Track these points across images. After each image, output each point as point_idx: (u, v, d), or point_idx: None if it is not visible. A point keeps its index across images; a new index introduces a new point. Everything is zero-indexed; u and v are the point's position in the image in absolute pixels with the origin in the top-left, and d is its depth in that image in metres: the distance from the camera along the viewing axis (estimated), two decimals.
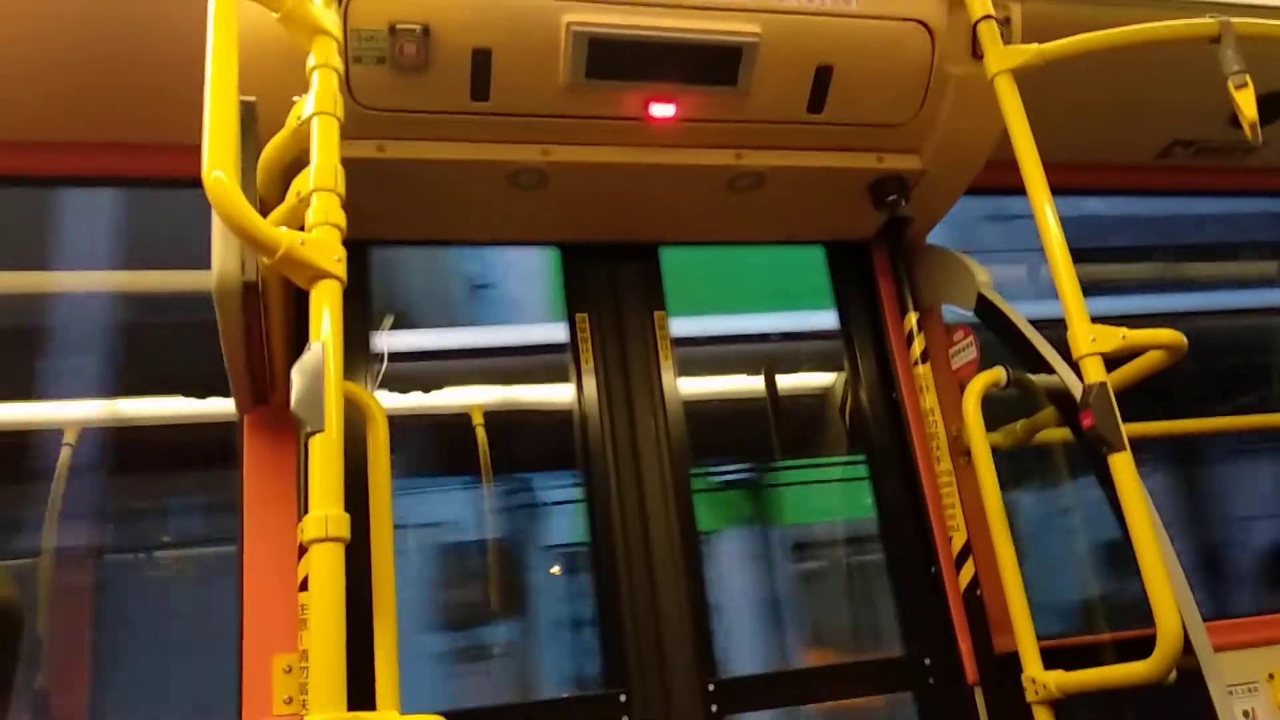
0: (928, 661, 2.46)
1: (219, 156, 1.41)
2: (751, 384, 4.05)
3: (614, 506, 2.43)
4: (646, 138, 2.35)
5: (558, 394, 2.72)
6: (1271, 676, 2.53)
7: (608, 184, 2.45)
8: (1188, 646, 1.86)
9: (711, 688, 2.30)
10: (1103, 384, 1.89)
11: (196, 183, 1.39)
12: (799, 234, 2.80)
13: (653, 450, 2.52)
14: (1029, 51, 2.15)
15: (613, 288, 2.66)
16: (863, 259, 2.82)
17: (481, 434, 4.62)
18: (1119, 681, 1.95)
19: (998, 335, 2.42)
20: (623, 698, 2.26)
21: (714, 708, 2.29)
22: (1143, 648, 1.87)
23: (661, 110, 2.28)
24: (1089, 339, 1.92)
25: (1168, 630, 1.80)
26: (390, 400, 4.46)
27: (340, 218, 1.52)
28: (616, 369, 2.58)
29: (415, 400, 4.49)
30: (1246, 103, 2.05)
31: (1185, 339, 2.03)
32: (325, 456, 1.36)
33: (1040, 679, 2.11)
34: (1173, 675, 1.85)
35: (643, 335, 2.63)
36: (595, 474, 2.46)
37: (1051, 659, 2.17)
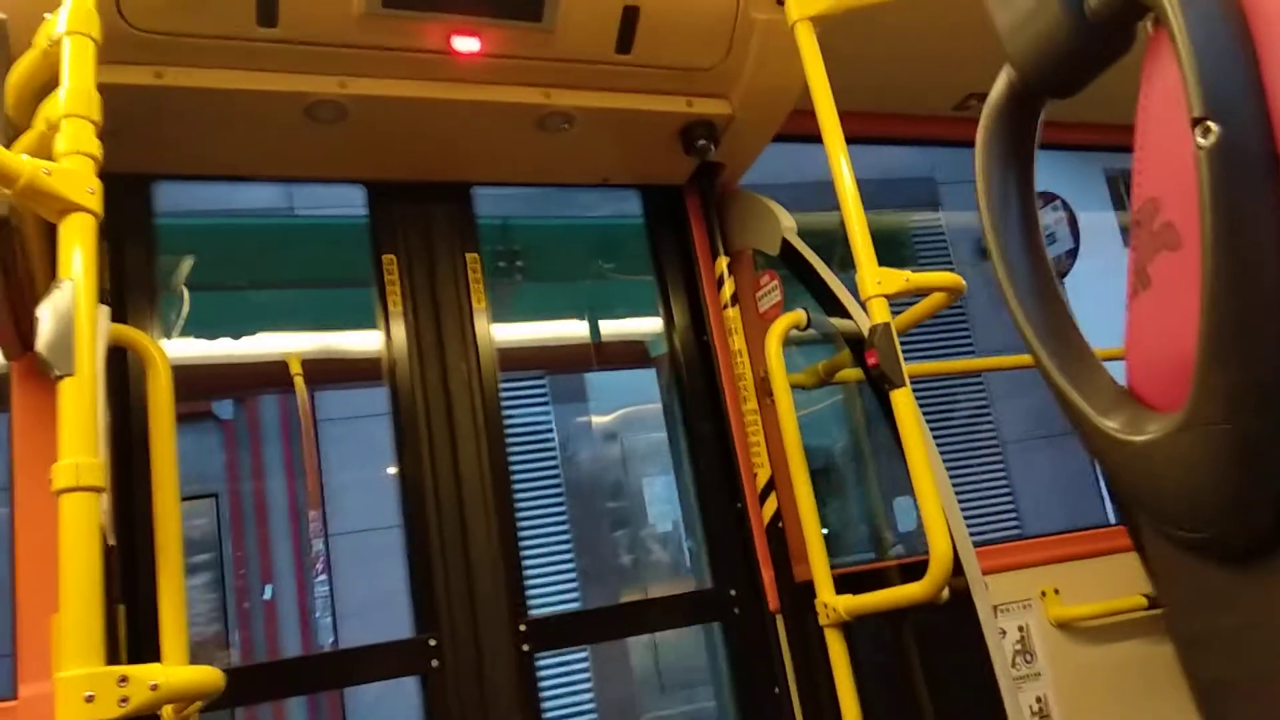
0: (733, 592, 2.55)
1: None
2: (570, 329, 4.04)
3: (424, 452, 2.40)
4: (451, 73, 2.28)
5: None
6: (1044, 594, 2.76)
7: (414, 120, 2.36)
8: (959, 568, 2.00)
9: (523, 628, 2.32)
10: (886, 324, 1.99)
11: None
12: (613, 177, 2.79)
13: (465, 396, 2.49)
14: None
15: (423, 229, 2.59)
16: (676, 203, 2.85)
17: (300, 384, 4.43)
18: (898, 602, 2.08)
19: (799, 279, 2.50)
20: (432, 641, 2.25)
21: (526, 647, 2.31)
22: (924, 571, 2.00)
23: (465, 44, 2.22)
24: (875, 282, 2.01)
25: (939, 553, 1.93)
26: (199, 347, 4.23)
27: (94, 147, 1.40)
28: (427, 313, 2.52)
29: (226, 348, 4.26)
30: None
31: (964, 281, 2.15)
32: (77, 401, 1.27)
33: (831, 603, 2.24)
34: (945, 594, 1.99)
35: (454, 278, 2.57)
36: (404, 420, 2.41)
37: (844, 585, 2.29)
